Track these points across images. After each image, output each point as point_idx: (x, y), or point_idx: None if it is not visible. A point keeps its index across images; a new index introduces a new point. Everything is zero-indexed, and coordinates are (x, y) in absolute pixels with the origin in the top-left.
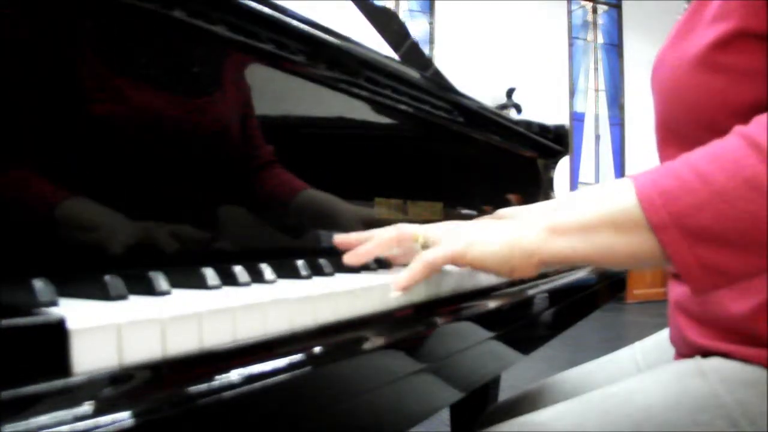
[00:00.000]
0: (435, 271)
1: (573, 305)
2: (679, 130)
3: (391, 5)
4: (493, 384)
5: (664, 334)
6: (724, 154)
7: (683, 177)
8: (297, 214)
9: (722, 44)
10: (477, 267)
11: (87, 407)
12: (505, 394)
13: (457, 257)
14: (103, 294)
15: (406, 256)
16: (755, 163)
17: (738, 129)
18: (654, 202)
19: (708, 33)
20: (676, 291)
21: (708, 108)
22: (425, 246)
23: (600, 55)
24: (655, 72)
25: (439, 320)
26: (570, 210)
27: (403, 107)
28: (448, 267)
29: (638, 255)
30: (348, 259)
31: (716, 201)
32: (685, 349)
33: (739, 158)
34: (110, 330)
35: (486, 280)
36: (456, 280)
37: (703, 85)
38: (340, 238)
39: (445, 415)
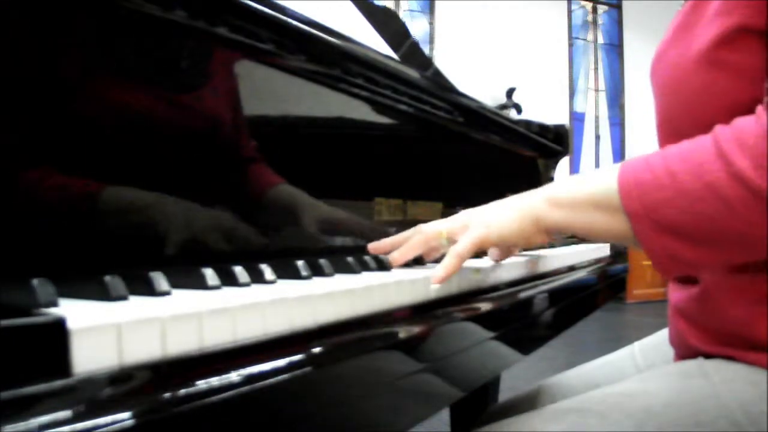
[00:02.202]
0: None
1: (573, 305)
2: (680, 129)
3: (391, 5)
4: (493, 384)
5: (663, 334)
6: (694, 156)
7: (656, 172)
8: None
9: (725, 41)
10: (500, 244)
11: (87, 407)
12: (505, 394)
13: (483, 241)
14: (103, 294)
15: (431, 253)
16: (717, 170)
17: (716, 130)
18: (630, 192)
19: (710, 29)
20: (676, 295)
21: (708, 107)
22: (450, 239)
23: (600, 55)
24: (655, 68)
25: (439, 320)
26: (567, 185)
27: (403, 107)
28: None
29: (615, 233)
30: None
31: (680, 199)
32: (686, 352)
33: (705, 163)
34: (110, 330)
35: (486, 279)
36: (456, 281)
37: (705, 83)
38: (374, 245)
39: (445, 415)
